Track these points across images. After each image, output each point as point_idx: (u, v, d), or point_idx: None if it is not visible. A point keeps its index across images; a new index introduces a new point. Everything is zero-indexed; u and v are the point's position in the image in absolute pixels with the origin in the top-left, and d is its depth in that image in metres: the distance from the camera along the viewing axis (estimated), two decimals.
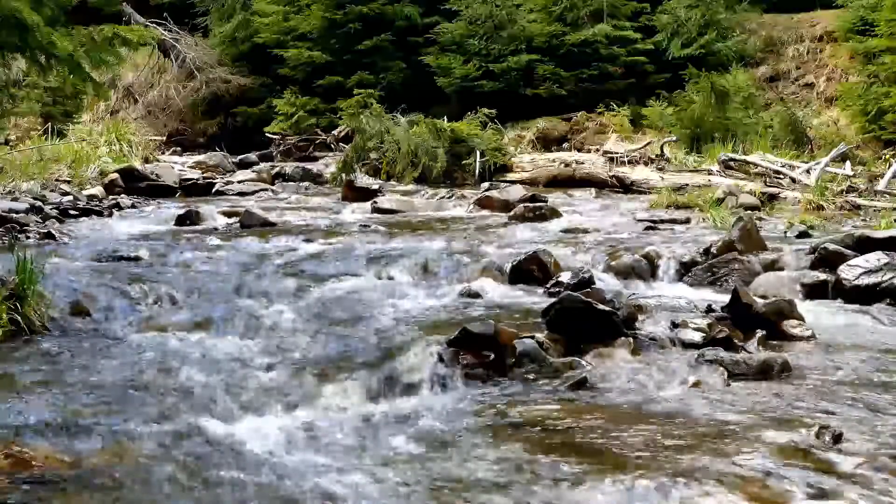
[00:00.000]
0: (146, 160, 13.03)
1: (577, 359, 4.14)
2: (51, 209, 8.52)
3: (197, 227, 8.12)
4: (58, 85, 12.82)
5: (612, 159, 12.38)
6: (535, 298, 5.38)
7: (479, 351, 4.11)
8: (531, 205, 8.85)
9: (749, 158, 11.03)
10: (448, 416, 3.62)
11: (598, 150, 13.34)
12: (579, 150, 13.77)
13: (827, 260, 5.89)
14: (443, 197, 10.42)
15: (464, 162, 12.20)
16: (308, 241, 7.14)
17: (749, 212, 8.25)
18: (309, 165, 14.04)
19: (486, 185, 11.26)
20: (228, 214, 8.77)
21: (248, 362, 4.09)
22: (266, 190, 11.72)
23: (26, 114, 13.90)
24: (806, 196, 9.27)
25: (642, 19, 16.37)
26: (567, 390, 3.86)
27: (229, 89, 19.21)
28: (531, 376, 3.98)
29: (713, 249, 6.30)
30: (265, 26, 19.04)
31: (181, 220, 8.34)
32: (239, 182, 12.05)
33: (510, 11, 16.42)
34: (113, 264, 6.05)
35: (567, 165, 11.85)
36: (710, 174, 10.88)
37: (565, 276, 5.61)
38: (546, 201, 9.24)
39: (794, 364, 4.13)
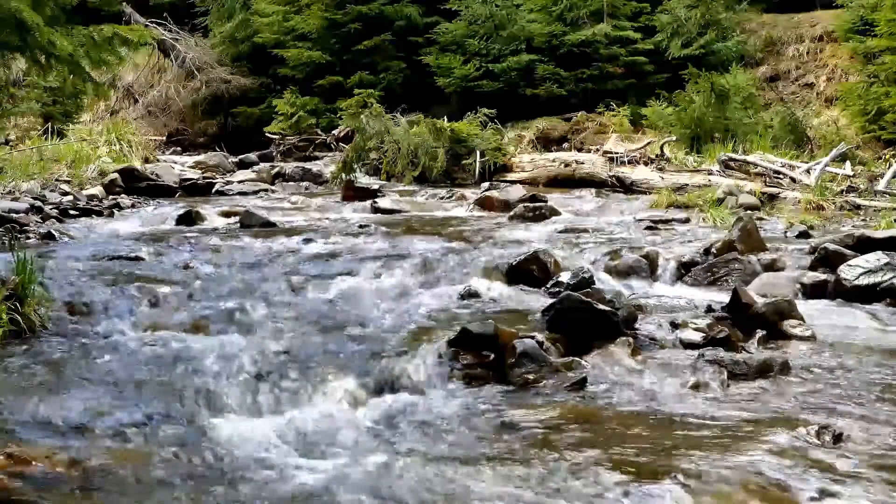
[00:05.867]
0: (146, 160, 13.03)
1: (577, 359, 4.14)
2: (51, 209, 8.52)
3: (197, 227, 8.12)
4: (58, 85, 12.82)
5: (612, 159, 12.37)
6: (535, 298, 5.37)
7: (479, 351, 4.10)
8: (531, 205, 8.85)
9: (749, 158, 11.02)
10: (448, 416, 3.61)
11: (598, 150, 13.33)
12: (579, 150, 13.76)
13: (827, 260, 5.89)
14: (443, 197, 10.42)
15: (464, 162, 12.20)
16: (308, 241, 7.14)
17: (749, 212, 8.25)
18: (309, 165, 14.04)
19: (486, 185, 11.27)
20: (228, 214, 8.76)
21: (247, 362, 4.09)
22: (266, 190, 11.72)
23: (26, 114, 13.90)
24: (806, 196, 9.27)
25: (642, 19, 16.37)
26: (567, 390, 3.86)
27: (229, 89, 19.22)
28: (531, 376, 3.98)
29: (713, 249, 6.30)
30: (265, 26, 19.05)
31: (181, 220, 8.34)
32: (239, 182, 12.05)
33: (510, 11, 16.42)
34: (113, 264, 6.05)
35: (567, 165, 11.85)
36: (710, 174, 10.87)
37: (565, 276, 5.60)
38: (546, 201, 9.23)
39: (794, 364, 4.13)
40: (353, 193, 10.51)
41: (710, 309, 4.90)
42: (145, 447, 3.19)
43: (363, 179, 11.73)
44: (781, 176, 10.39)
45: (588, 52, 15.93)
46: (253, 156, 15.63)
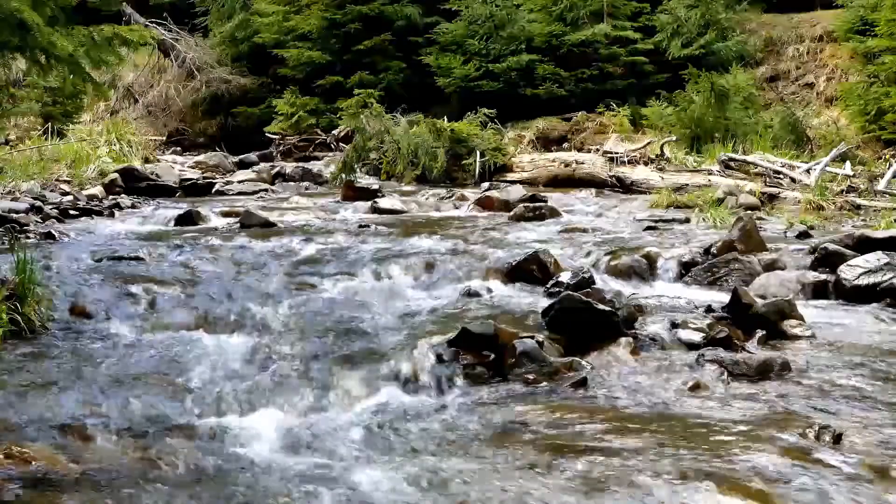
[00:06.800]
0: (146, 160, 13.02)
1: (577, 359, 4.14)
2: (51, 209, 8.51)
3: (197, 227, 8.11)
4: (58, 85, 12.81)
5: (612, 159, 12.36)
6: (535, 298, 5.37)
7: (479, 351, 4.11)
8: (531, 205, 8.85)
9: (749, 158, 11.02)
10: (448, 416, 3.62)
11: (598, 150, 13.33)
12: (579, 150, 13.76)
13: (827, 260, 5.89)
14: (443, 197, 10.42)
15: (464, 162, 12.20)
16: (308, 241, 7.14)
17: (749, 212, 8.24)
18: (309, 165, 14.04)
19: (486, 185, 11.27)
20: (228, 214, 8.76)
21: (247, 362, 4.09)
22: (266, 190, 11.71)
23: (26, 114, 13.90)
24: (806, 196, 9.27)
25: (642, 19, 16.37)
26: (567, 390, 3.86)
27: (229, 89, 19.22)
28: (531, 376, 3.98)
29: (713, 249, 6.30)
30: (265, 26, 19.05)
31: (181, 220, 8.33)
32: (239, 182, 12.04)
33: (510, 11, 16.42)
34: (113, 264, 6.05)
35: (567, 165, 11.85)
36: (710, 174, 10.87)
37: (565, 276, 5.61)
38: (546, 201, 9.23)
39: (794, 364, 4.13)
40: (353, 193, 10.50)
41: (710, 309, 4.90)
42: (145, 447, 3.19)
43: (363, 179, 11.72)
44: (781, 176, 10.39)
45: (588, 52, 15.93)
46: (253, 156, 15.62)
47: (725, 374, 3.97)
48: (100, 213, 8.84)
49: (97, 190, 10.21)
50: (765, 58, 16.18)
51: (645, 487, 2.84)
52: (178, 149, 17.97)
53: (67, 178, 10.57)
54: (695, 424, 3.42)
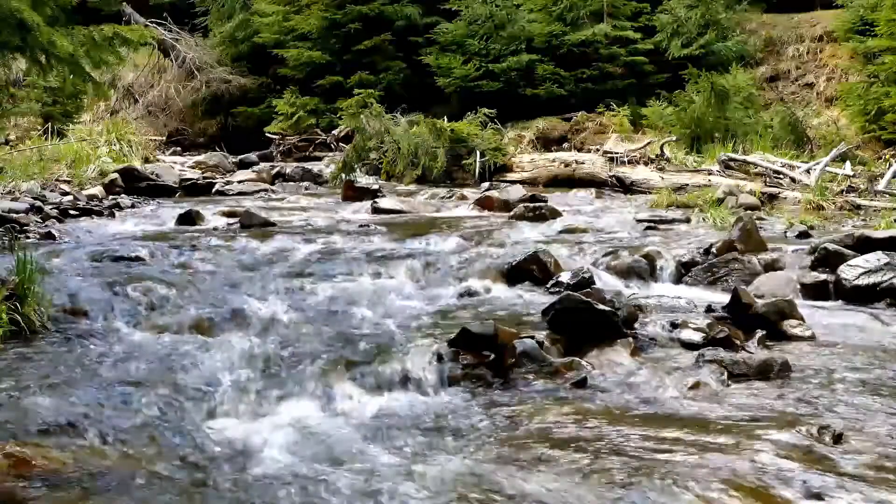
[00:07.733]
0: (146, 160, 13.03)
1: (577, 359, 4.14)
2: (51, 209, 8.51)
3: (197, 227, 8.12)
4: (58, 85, 12.82)
5: (612, 159, 12.37)
6: (535, 298, 5.38)
7: (479, 351, 4.10)
8: (531, 205, 8.86)
9: (749, 158, 11.03)
10: (448, 416, 3.62)
11: (598, 150, 13.34)
12: (579, 150, 13.77)
13: (827, 260, 5.89)
14: (443, 197, 10.42)
15: (464, 162, 12.20)
16: (308, 241, 7.14)
17: (749, 212, 8.25)
18: (309, 165, 14.06)
19: (486, 185, 11.29)
20: (228, 214, 8.76)
21: (246, 363, 4.09)
22: (266, 190, 11.73)
23: (26, 114, 13.91)
24: (806, 196, 9.27)
25: (642, 19, 16.39)
26: (567, 390, 3.86)
27: (229, 89, 19.24)
28: (531, 376, 3.98)
29: (713, 249, 6.30)
30: (265, 26, 19.08)
31: (181, 220, 8.34)
32: (239, 182, 12.06)
33: (510, 11, 16.44)
34: (113, 264, 6.05)
35: (567, 165, 11.85)
36: (710, 174, 10.88)
37: (565, 276, 5.61)
38: (546, 201, 9.24)
39: (794, 364, 4.13)
40: (353, 193, 10.51)
41: (710, 309, 4.90)
42: (145, 447, 3.19)
43: (363, 179, 11.73)
44: (781, 176, 10.40)
45: (588, 52, 15.95)
46: (253, 156, 15.64)
47: (725, 374, 3.97)
48: (100, 213, 8.85)
49: (97, 190, 10.21)
50: (765, 58, 16.19)
51: (644, 486, 2.84)
52: (178, 149, 17.99)
53: (67, 178, 10.58)
54: (695, 424, 3.42)
